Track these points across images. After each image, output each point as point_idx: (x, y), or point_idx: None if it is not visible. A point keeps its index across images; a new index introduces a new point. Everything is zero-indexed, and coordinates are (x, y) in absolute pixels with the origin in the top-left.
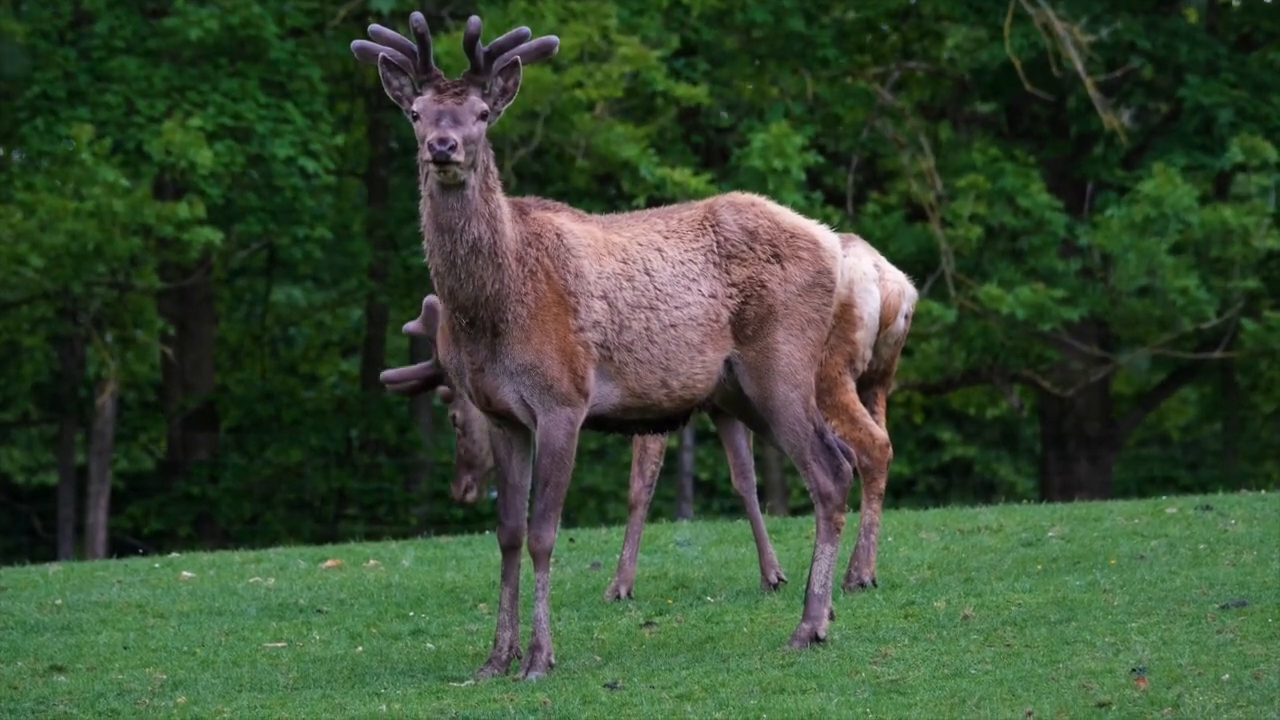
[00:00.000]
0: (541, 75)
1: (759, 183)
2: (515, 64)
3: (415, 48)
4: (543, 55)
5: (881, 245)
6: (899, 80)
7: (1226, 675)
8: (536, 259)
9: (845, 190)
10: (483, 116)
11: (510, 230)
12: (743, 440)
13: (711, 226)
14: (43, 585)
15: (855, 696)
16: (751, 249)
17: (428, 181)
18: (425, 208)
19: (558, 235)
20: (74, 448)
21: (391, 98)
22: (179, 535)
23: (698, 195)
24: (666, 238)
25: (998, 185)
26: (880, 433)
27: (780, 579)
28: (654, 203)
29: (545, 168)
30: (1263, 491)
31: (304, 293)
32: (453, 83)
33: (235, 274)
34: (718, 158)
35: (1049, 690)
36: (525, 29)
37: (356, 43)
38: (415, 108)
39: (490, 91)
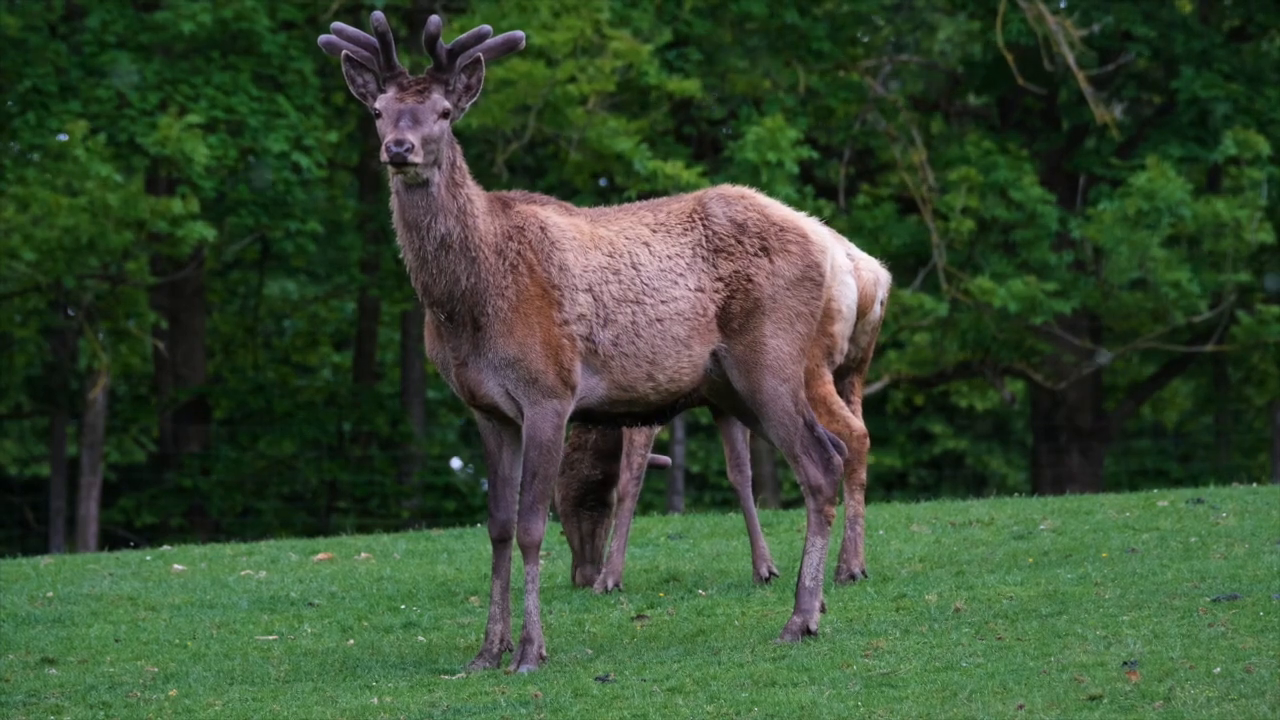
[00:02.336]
0: (534, 69)
1: (751, 175)
2: (478, 61)
3: (377, 45)
4: (508, 51)
5: (873, 238)
6: (891, 73)
7: (1218, 668)
8: (518, 252)
9: (837, 183)
10: (444, 114)
11: (485, 224)
12: (739, 433)
13: (700, 220)
14: (34, 577)
15: (846, 689)
16: (740, 242)
17: (393, 180)
18: (394, 205)
19: (542, 228)
20: (66, 440)
21: (355, 95)
22: (171, 527)
23: (690, 188)
24: (654, 231)
25: (990, 178)
26: (857, 423)
27: (772, 573)
28: (646, 196)
29: (538, 161)
30: (1254, 484)
31: (296, 285)
32: (415, 80)
33: (228, 267)
34: (709, 150)
35: (1040, 683)
36: (487, 27)
37: (323, 38)
38: (378, 106)
39: (454, 88)
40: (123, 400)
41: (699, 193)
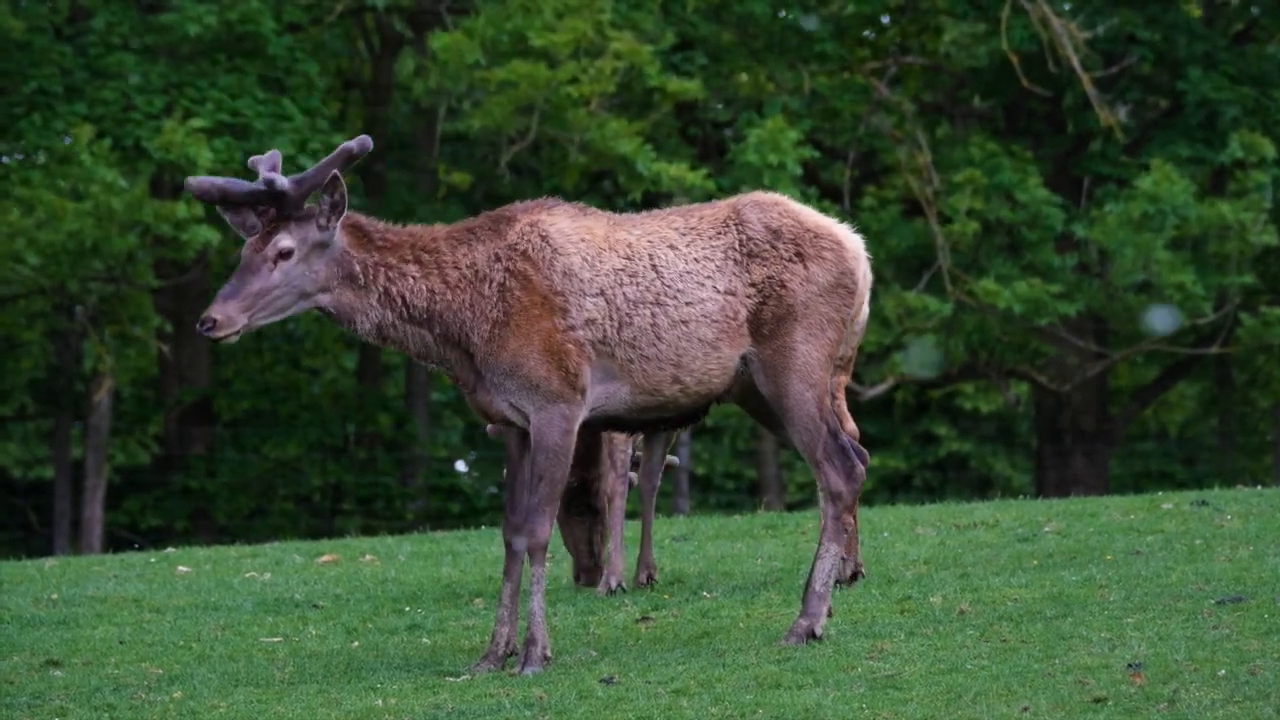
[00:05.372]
0: (535, 70)
1: (755, 178)
2: (335, 179)
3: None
4: (348, 162)
5: (879, 240)
6: (896, 75)
7: (1222, 670)
8: (509, 269)
9: (842, 185)
10: (285, 255)
11: (436, 281)
12: (661, 446)
13: (735, 225)
14: (39, 580)
15: (851, 692)
16: (774, 248)
17: None
18: None
19: (543, 238)
20: (70, 442)
21: (244, 238)
22: (175, 529)
23: (694, 190)
24: (684, 234)
25: (995, 180)
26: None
27: (651, 579)
28: (649, 198)
29: (542, 163)
30: (1259, 487)
31: None
32: (267, 224)
33: (232, 269)
34: (714, 152)
35: (1045, 686)
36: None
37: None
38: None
39: (314, 216)
40: (127, 402)
41: (733, 199)
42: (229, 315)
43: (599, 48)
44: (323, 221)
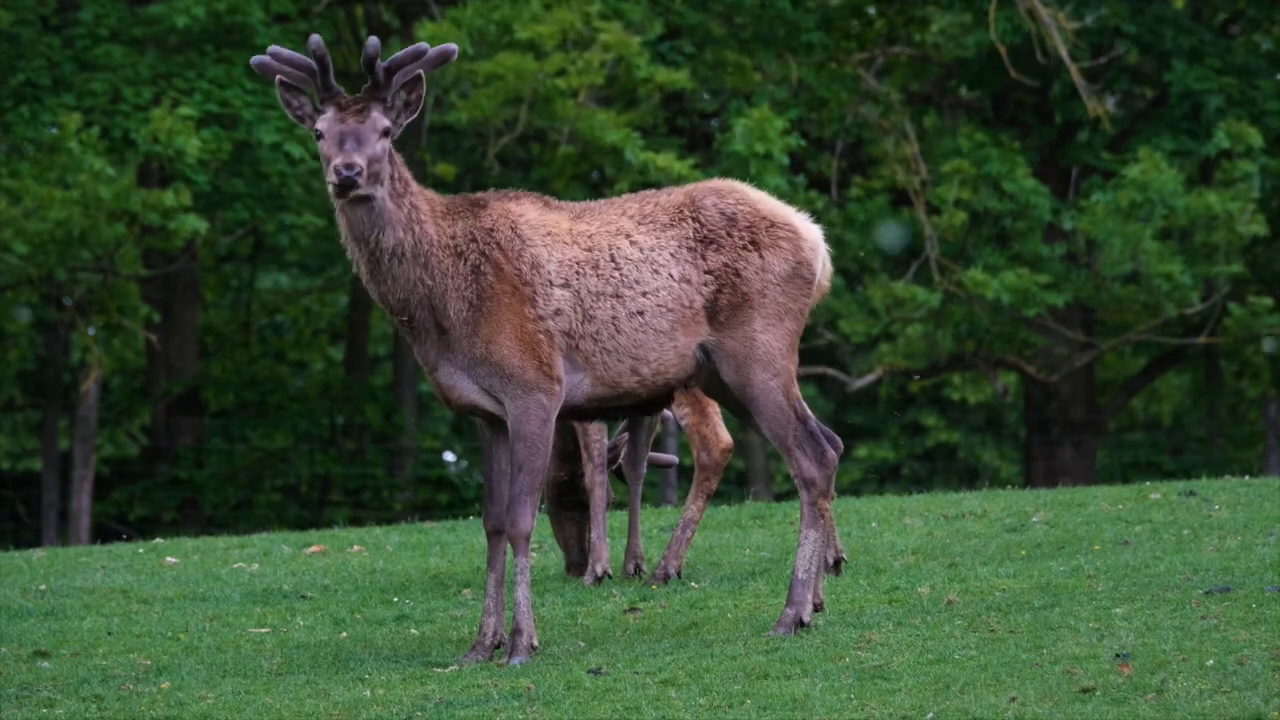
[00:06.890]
0: (523, 62)
1: (742, 167)
2: (418, 78)
3: (315, 67)
4: (442, 63)
5: (866, 230)
6: (884, 65)
7: (1210, 660)
8: (482, 253)
9: (830, 175)
10: (385, 133)
11: (435, 229)
12: (644, 433)
13: (690, 212)
14: (27, 571)
15: (839, 682)
16: (730, 235)
17: (336, 198)
18: (340, 221)
19: (513, 227)
20: (58, 433)
21: (293, 118)
22: (163, 520)
23: (682, 180)
24: (640, 224)
25: (983, 170)
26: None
27: (639, 569)
28: (637, 188)
29: (529, 154)
30: (1247, 477)
31: (290, 279)
32: (354, 100)
33: (221, 260)
34: (701, 142)
35: (1033, 676)
36: (423, 44)
37: (255, 59)
38: (319, 126)
39: (393, 106)
40: (115, 393)
41: (690, 186)
42: (363, 165)
43: (587, 39)
44: (393, 117)
